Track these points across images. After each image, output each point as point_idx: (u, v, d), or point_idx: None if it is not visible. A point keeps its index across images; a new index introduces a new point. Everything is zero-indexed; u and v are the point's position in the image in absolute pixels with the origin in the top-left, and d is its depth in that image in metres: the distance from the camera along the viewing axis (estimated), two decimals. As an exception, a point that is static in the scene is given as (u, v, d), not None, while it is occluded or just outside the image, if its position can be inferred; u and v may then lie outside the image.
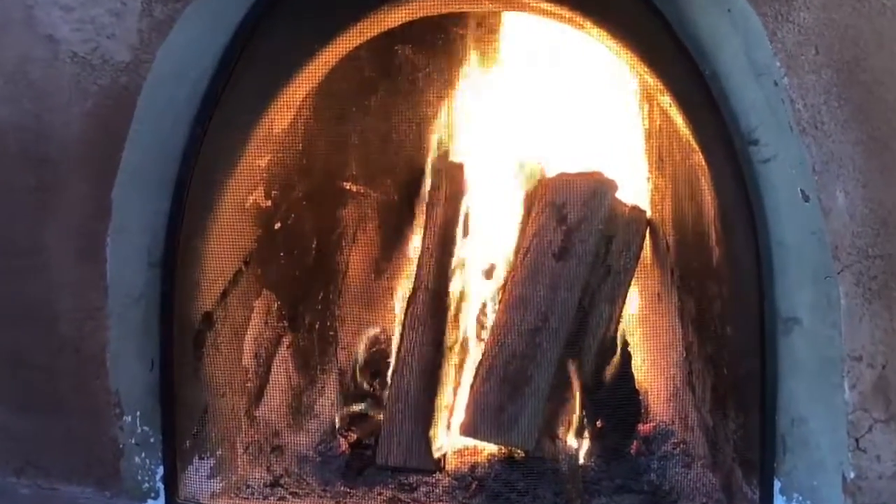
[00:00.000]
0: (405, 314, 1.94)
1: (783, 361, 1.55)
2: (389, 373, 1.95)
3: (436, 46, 2.02)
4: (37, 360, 1.73)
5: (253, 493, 1.82)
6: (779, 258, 1.54)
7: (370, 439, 1.93)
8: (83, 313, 1.70)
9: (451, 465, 1.88)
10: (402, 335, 1.93)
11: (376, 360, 2.05)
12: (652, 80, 1.69)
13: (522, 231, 1.94)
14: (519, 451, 1.84)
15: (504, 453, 1.86)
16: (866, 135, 1.50)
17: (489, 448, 1.88)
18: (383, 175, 2.08)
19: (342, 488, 1.83)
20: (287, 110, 1.80)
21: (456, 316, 1.96)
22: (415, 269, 1.97)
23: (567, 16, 1.68)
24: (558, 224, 1.88)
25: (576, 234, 1.87)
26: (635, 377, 1.93)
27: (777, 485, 1.58)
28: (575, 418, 1.86)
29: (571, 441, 1.86)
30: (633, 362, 1.93)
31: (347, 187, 2.03)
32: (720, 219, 1.65)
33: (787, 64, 1.50)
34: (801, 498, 1.57)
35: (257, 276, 1.87)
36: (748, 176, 1.54)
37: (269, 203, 1.85)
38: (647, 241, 1.96)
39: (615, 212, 1.91)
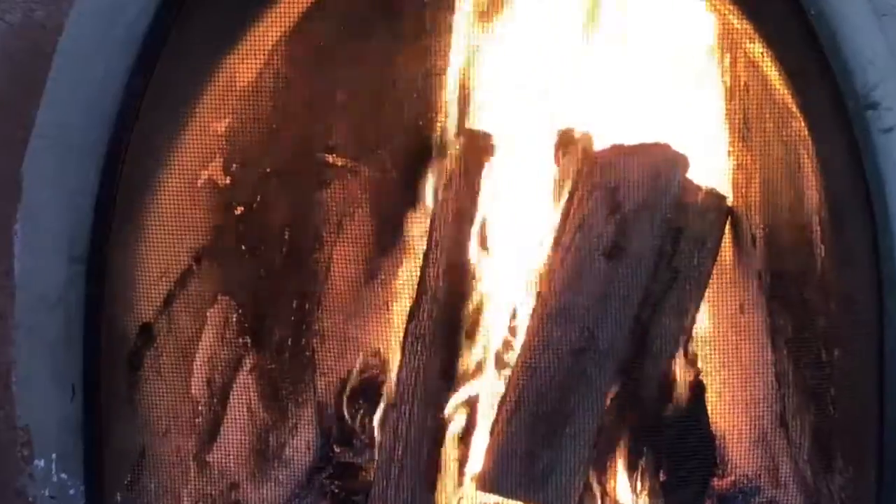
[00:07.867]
0: (406, 330, 1.93)
1: (910, 397, 1.56)
2: (383, 406, 1.95)
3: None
4: (-82, 385, 1.73)
5: (204, 565, 1.83)
6: (906, 259, 1.54)
7: (359, 494, 1.93)
8: (-18, 323, 1.70)
9: (464, 529, 1.88)
10: (401, 357, 1.93)
11: (367, 389, 2.06)
12: (738, 22, 1.69)
13: (563, 222, 1.92)
14: (556, 511, 1.84)
15: (535, 514, 1.85)
16: None
17: (515, 507, 1.88)
18: (378, 146, 2.08)
19: (321, 559, 1.85)
20: (253, 58, 1.80)
21: (472, 332, 1.96)
22: (418, 270, 1.96)
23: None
24: (610, 213, 1.87)
25: (633, 226, 1.86)
26: (710, 415, 1.93)
27: (899, 559, 1.59)
28: (630, 469, 1.86)
29: (625, 499, 1.86)
30: (706, 396, 1.93)
31: (331, 161, 2.04)
32: (827, 207, 1.65)
33: (920, 1, 1.51)
34: (929, 577, 1.58)
35: (212, 277, 1.87)
36: (865, 150, 1.54)
37: (228, 181, 1.86)
38: (728, 237, 1.95)
39: (685, 197, 1.89)
